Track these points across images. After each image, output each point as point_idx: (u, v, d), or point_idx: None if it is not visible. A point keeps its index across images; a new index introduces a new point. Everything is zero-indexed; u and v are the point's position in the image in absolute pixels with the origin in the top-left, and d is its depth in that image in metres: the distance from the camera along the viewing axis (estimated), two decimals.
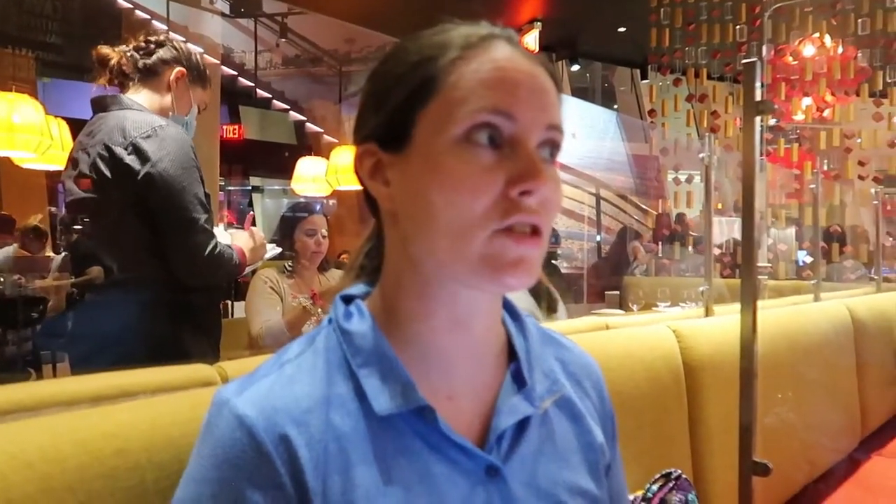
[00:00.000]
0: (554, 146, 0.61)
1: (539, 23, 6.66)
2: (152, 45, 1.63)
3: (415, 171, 0.59)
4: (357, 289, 0.68)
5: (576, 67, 8.56)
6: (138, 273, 1.53)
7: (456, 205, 0.56)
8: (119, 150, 1.47)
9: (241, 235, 1.72)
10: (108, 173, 1.49)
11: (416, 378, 0.59)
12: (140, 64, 1.61)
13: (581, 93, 8.75)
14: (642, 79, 8.12)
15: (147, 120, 1.52)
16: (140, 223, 1.50)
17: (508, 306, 0.70)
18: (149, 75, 1.62)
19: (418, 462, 0.57)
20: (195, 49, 1.94)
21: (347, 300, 0.65)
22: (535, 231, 0.58)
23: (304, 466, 0.53)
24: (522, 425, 0.63)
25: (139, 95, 1.61)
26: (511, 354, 0.66)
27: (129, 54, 1.62)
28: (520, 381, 0.64)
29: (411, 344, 0.61)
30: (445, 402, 0.60)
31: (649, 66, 6.17)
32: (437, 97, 0.59)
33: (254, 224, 1.89)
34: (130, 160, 1.47)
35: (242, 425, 0.54)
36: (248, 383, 0.57)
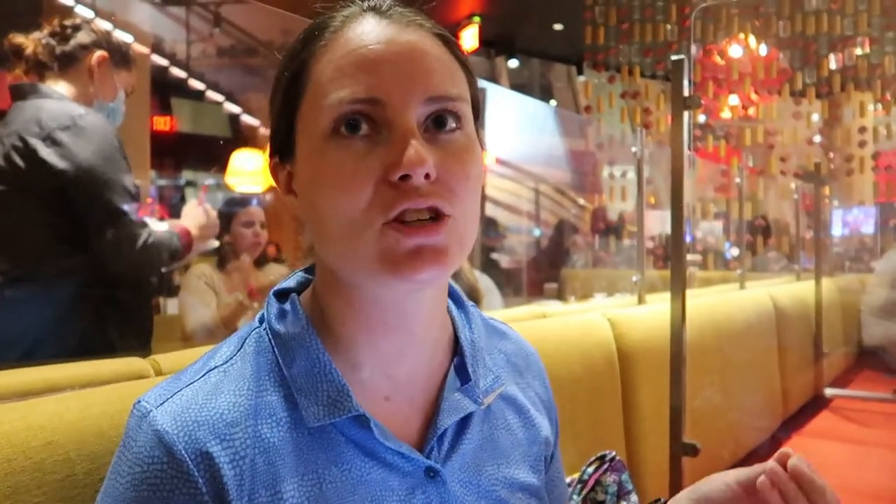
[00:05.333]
0: (447, 116, 0.55)
1: (478, 18, 6.70)
2: (69, 30, 1.54)
3: (303, 177, 0.56)
4: (294, 279, 0.64)
5: (514, 64, 8.66)
6: (58, 267, 1.46)
7: (337, 205, 0.53)
8: (34, 142, 1.41)
9: (192, 213, 1.66)
10: (22, 165, 1.42)
11: (351, 381, 0.57)
12: (57, 51, 1.52)
13: (520, 89, 8.85)
14: (578, 75, 8.28)
15: (65, 110, 1.45)
16: (60, 216, 1.44)
17: (452, 293, 0.67)
18: (68, 62, 1.53)
19: (352, 471, 0.55)
20: (124, 36, 1.87)
21: (282, 295, 0.62)
22: (437, 216, 0.53)
23: (228, 485, 0.51)
24: (464, 422, 0.61)
25: (60, 85, 1.53)
26: (455, 345, 0.64)
27: (44, 42, 1.52)
28: (463, 376, 0.62)
29: (345, 346, 0.58)
30: (382, 403, 0.59)
31: (585, 64, 6.31)
32: (305, 96, 0.55)
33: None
34: (47, 153, 1.40)
35: (161, 443, 0.50)
36: (170, 392, 0.54)
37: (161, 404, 0.53)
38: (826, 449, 2.42)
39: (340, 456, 0.55)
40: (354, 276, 0.56)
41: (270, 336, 0.58)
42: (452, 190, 0.53)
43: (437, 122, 0.55)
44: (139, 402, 0.54)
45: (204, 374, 0.56)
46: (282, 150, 0.59)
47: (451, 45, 0.58)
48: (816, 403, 2.99)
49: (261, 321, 0.60)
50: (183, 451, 0.50)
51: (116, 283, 1.49)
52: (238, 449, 0.52)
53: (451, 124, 0.55)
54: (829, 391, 3.12)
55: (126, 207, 1.46)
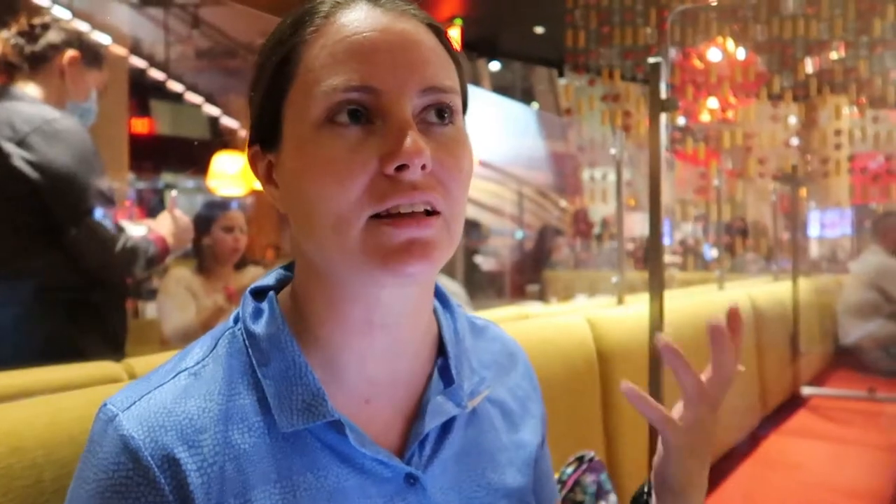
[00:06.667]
0: (444, 108, 0.54)
1: (460, 20, 6.71)
2: (38, 29, 1.51)
3: (289, 167, 0.54)
4: (272, 277, 0.62)
5: (496, 66, 8.68)
6: (27, 269, 1.44)
7: (326, 195, 0.51)
8: (7, 146, 1.39)
9: (163, 221, 1.65)
10: None
11: (328, 383, 0.55)
12: (27, 51, 1.49)
13: (502, 92, 8.88)
14: (559, 78, 8.33)
15: (39, 113, 1.43)
16: (32, 219, 1.42)
17: (438, 292, 0.65)
18: (38, 63, 1.50)
19: (328, 478, 0.53)
20: (102, 37, 1.85)
21: (259, 294, 0.60)
22: (431, 210, 0.52)
23: (195, 493, 0.49)
24: (447, 426, 0.59)
25: (30, 86, 1.50)
26: (440, 346, 0.62)
27: (12, 42, 1.49)
28: (447, 378, 0.60)
29: (323, 347, 0.56)
30: (362, 405, 0.57)
31: (566, 66, 6.34)
32: (295, 82, 0.53)
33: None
34: (20, 156, 1.38)
35: (127, 448, 0.49)
36: (138, 394, 0.52)
37: (128, 408, 0.51)
38: (803, 447, 2.45)
39: (316, 462, 0.53)
40: (339, 270, 0.54)
41: (245, 336, 0.56)
42: (445, 185, 0.52)
43: (430, 115, 0.53)
44: (105, 405, 0.52)
45: (174, 377, 0.54)
46: (264, 139, 0.57)
47: (443, 36, 0.57)
48: (794, 402, 3.03)
49: (235, 320, 0.58)
50: (149, 458, 0.49)
51: (88, 287, 1.47)
52: (206, 456, 0.50)
53: (445, 117, 0.54)
54: (806, 390, 3.16)
55: (102, 211, 1.44)
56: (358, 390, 0.57)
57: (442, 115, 0.54)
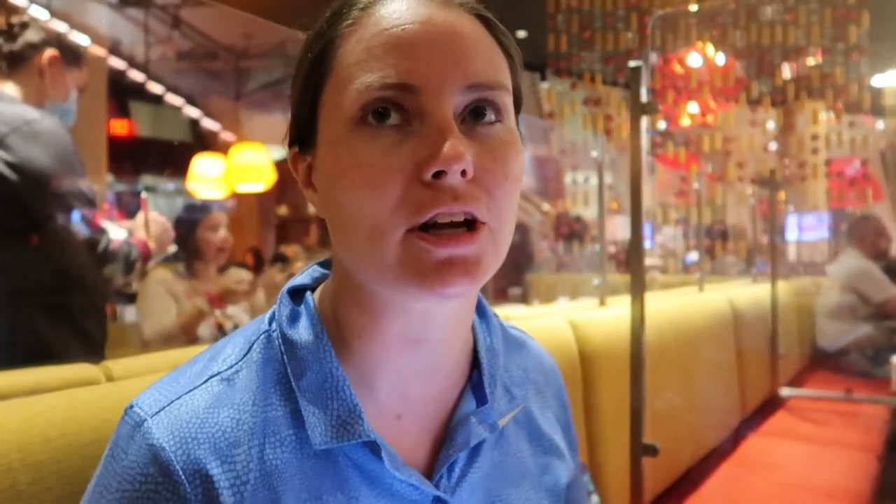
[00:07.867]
0: (487, 107, 0.50)
1: None
2: (16, 28, 1.49)
3: (323, 170, 0.51)
4: (308, 275, 0.59)
5: None
6: (6, 270, 1.42)
7: (360, 202, 0.47)
8: None
9: (141, 222, 1.64)
10: None
11: (361, 398, 0.52)
12: (5, 50, 1.48)
13: None
14: (542, 82, 8.37)
15: (18, 113, 1.41)
16: (10, 220, 1.40)
17: (477, 302, 0.62)
18: (17, 62, 1.49)
19: (359, 500, 0.51)
20: (81, 38, 1.83)
21: (296, 293, 0.57)
22: (471, 223, 0.48)
23: None
24: (476, 448, 0.57)
25: (9, 86, 1.49)
26: (474, 358, 0.60)
27: None
28: (479, 394, 0.58)
29: (359, 359, 0.54)
30: (393, 422, 0.55)
31: (548, 70, 6.38)
32: (330, 79, 0.50)
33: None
34: (0, 157, 1.37)
35: (156, 460, 0.46)
36: (167, 398, 0.49)
37: (157, 413, 0.48)
38: (782, 448, 2.47)
39: (347, 482, 0.51)
40: (375, 283, 0.50)
41: (281, 342, 0.53)
42: (489, 191, 0.48)
43: (475, 114, 0.49)
44: (132, 406, 0.49)
45: (205, 381, 0.51)
46: (302, 140, 0.54)
47: (494, 27, 0.54)
48: (773, 403, 3.06)
49: (270, 321, 0.55)
50: (181, 472, 0.46)
51: (67, 289, 1.45)
52: (239, 473, 0.48)
53: (491, 116, 0.50)
54: (784, 391, 3.19)
55: (84, 213, 1.43)
56: (390, 406, 0.55)
57: (487, 114, 0.50)
